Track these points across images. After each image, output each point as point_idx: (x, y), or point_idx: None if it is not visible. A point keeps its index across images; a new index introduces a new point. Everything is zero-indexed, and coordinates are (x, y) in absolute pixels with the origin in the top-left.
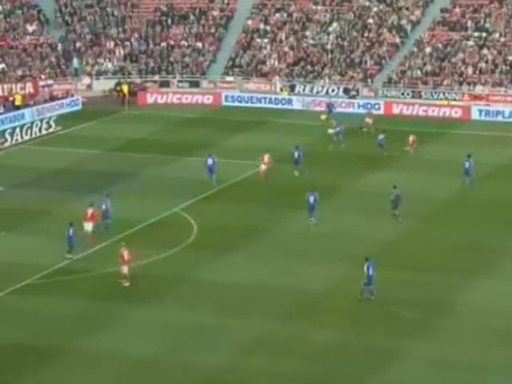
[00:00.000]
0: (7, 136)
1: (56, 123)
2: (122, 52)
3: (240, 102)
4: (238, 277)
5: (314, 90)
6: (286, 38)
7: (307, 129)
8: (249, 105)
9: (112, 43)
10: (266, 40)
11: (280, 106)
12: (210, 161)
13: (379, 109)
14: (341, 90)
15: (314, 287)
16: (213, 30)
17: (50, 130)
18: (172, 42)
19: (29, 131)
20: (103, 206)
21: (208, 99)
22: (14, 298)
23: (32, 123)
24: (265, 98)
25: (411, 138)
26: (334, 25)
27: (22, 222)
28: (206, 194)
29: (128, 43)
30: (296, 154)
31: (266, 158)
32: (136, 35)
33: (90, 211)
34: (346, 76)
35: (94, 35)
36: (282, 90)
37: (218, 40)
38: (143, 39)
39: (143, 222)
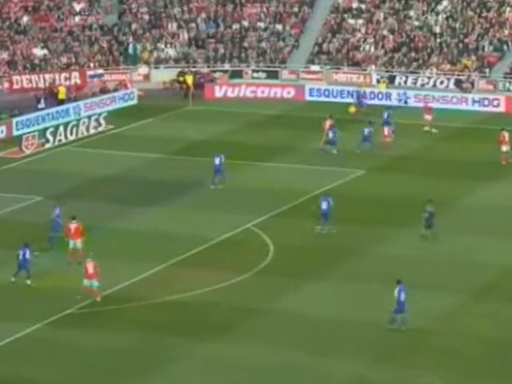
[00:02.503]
0: (49, 136)
1: (107, 121)
2: (186, 36)
3: (328, 96)
4: (324, 309)
5: (419, 82)
6: (385, 18)
7: (407, 128)
8: (338, 100)
9: (174, 25)
10: (360, 21)
11: (377, 102)
12: (217, 160)
13: (499, 105)
14: (451, 82)
15: (421, 324)
16: (295, 9)
17: (100, 129)
18: (246, 24)
19: (74, 130)
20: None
21: (289, 93)
22: (53, 330)
23: (78, 121)
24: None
25: (506, 134)
26: (445, 2)
27: (61, 239)
28: (285, 207)
29: (193, 25)
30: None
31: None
32: (203, 15)
33: (73, 226)
34: (458, 65)
35: (154, 15)
36: (379, 81)
37: (302, 21)
38: (212, 20)
39: (209, 241)
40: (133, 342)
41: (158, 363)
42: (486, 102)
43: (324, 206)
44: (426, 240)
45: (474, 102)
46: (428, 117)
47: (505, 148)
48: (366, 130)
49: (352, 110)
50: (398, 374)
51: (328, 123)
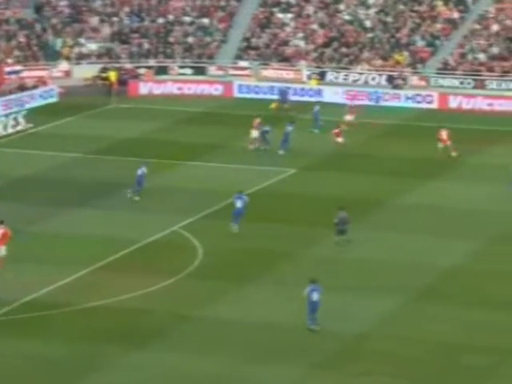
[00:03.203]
0: None
1: (26, 119)
2: (108, 30)
3: (257, 93)
4: (257, 313)
5: (350, 79)
6: (315, 12)
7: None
8: (268, 97)
9: (96, 19)
10: (289, 15)
11: (307, 99)
12: (139, 171)
13: (432, 102)
14: (383, 78)
15: (359, 327)
16: (223, 3)
17: (19, 128)
18: (172, 18)
19: None
20: None
21: (217, 90)
22: None
23: None
24: (287, 89)
25: (444, 132)
26: None
27: None
28: (214, 208)
29: (116, 19)
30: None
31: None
32: (126, 9)
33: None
34: (389, 61)
35: (74, 9)
36: (310, 78)
37: (230, 15)
38: (135, 14)
39: (135, 244)
40: (58, 350)
41: (84, 372)
42: (419, 99)
43: (239, 204)
44: (340, 246)
45: (406, 98)
46: (350, 117)
47: (443, 145)
48: (289, 129)
49: (273, 106)
50: (336, 379)
51: (256, 122)
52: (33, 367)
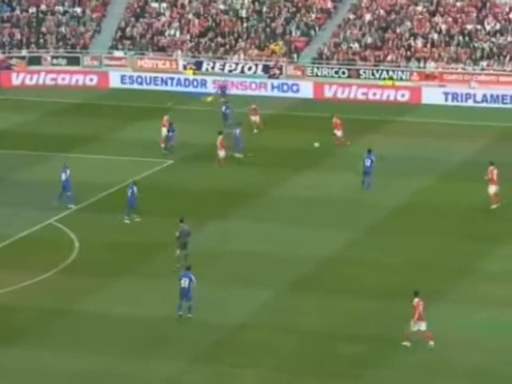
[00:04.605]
0: None
1: None
2: None
3: (132, 83)
4: (136, 307)
5: (226, 68)
6: (190, 2)
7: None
8: (144, 87)
9: None
10: (164, 5)
11: (184, 89)
12: (63, 175)
13: (308, 92)
14: (259, 67)
15: (238, 319)
16: None
17: None
18: (44, 8)
19: None
20: None
21: (91, 80)
22: None
23: None
24: (163, 79)
25: (335, 120)
26: None
27: None
28: (90, 200)
29: None
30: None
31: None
32: None
33: None
34: (265, 50)
35: None
36: (186, 68)
37: (103, 5)
38: (6, 3)
39: (8, 238)
40: None
41: None
42: (295, 88)
43: (129, 193)
44: (180, 262)
45: (281, 88)
46: (254, 118)
47: (339, 133)
48: (237, 132)
49: (209, 99)
50: (216, 372)
51: (165, 119)
52: None
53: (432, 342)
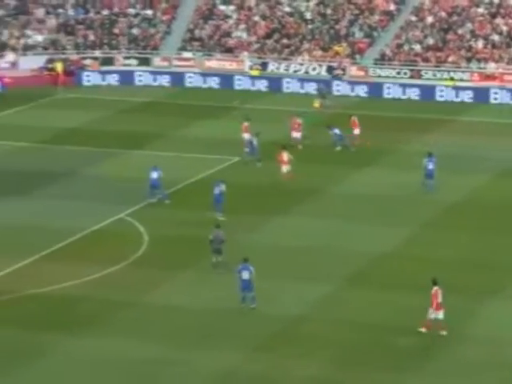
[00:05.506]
0: None
1: None
2: (54, 22)
3: (200, 83)
4: (199, 300)
5: (291, 69)
6: (257, 4)
7: (281, 115)
8: (211, 86)
9: (42, 11)
10: (231, 7)
11: (250, 88)
12: (154, 174)
13: (369, 91)
14: (323, 68)
15: (295, 312)
16: None
17: None
18: (116, 10)
19: None
20: None
21: (161, 80)
22: None
23: None
24: (231, 79)
25: (353, 119)
26: None
27: None
28: (159, 196)
29: (62, 11)
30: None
31: (285, 156)
32: (72, 1)
33: None
34: (329, 51)
35: (20, 1)
36: (251, 68)
37: (173, 7)
38: (81, 6)
39: (80, 232)
40: None
41: (24, 359)
42: (357, 88)
43: (216, 191)
44: (216, 268)
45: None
46: (296, 134)
47: (356, 131)
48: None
49: (316, 104)
50: (274, 363)
51: (244, 126)
52: None
53: (445, 332)
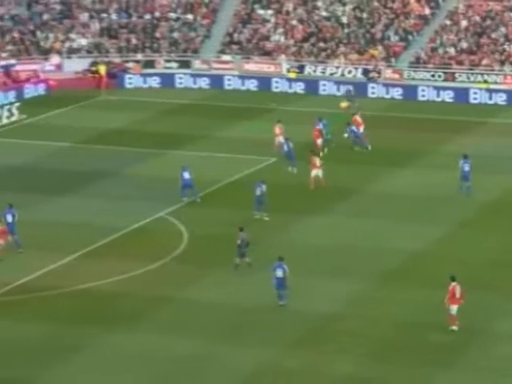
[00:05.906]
0: None
1: (19, 111)
2: (97, 26)
3: (239, 85)
4: (234, 297)
5: (327, 72)
6: (294, 9)
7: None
8: (249, 88)
9: (86, 15)
10: (269, 11)
11: (287, 90)
12: (186, 174)
13: (404, 94)
14: (359, 71)
15: (330, 309)
16: (206, 0)
17: (13, 119)
18: (158, 14)
19: None
20: (8, 219)
21: (201, 82)
22: None
23: None
24: (268, 81)
25: (357, 117)
26: None
27: None
28: (199, 195)
29: (105, 15)
30: (286, 147)
31: (317, 161)
32: (115, 6)
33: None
34: (365, 55)
35: (65, 5)
36: (289, 71)
37: (213, 12)
38: (123, 10)
39: (121, 230)
40: (41, 332)
41: (66, 353)
42: (392, 91)
43: (258, 192)
44: (237, 269)
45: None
46: (319, 141)
47: (361, 129)
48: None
49: (344, 105)
50: (310, 359)
51: (277, 128)
52: (15, 348)
53: (454, 327)
